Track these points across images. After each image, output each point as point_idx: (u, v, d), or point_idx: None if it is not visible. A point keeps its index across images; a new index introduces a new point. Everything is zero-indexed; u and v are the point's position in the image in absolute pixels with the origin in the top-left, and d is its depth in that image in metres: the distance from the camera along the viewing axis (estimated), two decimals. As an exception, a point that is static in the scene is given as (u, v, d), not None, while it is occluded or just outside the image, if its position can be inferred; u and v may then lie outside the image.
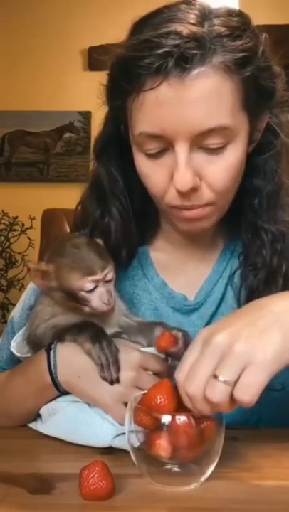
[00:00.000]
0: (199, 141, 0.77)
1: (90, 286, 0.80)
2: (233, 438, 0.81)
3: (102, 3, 3.56)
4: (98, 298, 0.81)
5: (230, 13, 0.79)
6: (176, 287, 0.95)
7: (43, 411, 0.85)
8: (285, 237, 0.88)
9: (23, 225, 3.58)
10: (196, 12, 0.76)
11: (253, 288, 0.89)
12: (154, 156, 0.81)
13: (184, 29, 0.73)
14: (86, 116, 3.69)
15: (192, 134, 0.76)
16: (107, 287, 0.82)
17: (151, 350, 0.84)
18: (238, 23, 0.77)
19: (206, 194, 0.81)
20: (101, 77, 0.88)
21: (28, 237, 3.50)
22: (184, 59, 0.72)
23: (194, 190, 0.80)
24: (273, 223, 0.87)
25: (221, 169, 0.80)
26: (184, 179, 0.78)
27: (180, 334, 0.81)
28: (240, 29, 0.77)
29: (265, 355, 0.59)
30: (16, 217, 3.61)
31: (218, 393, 0.59)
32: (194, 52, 0.73)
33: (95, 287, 0.80)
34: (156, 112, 0.76)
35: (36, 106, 3.74)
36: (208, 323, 0.93)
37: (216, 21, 0.76)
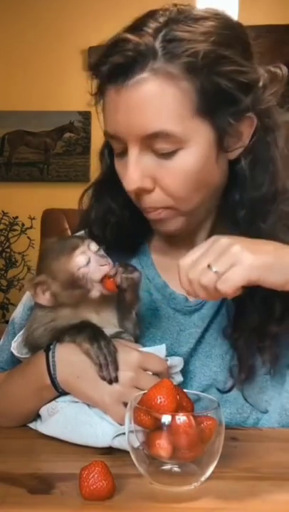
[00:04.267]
0: (148, 145, 0.79)
1: (82, 259, 0.81)
2: (233, 438, 0.82)
3: (102, 3, 3.56)
4: (95, 266, 0.82)
5: (207, 17, 0.79)
6: (177, 288, 0.95)
7: (42, 411, 0.85)
8: None
9: (23, 225, 3.58)
10: (162, 19, 0.77)
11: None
12: (119, 156, 0.85)
13: (130, 37, 0.76)
14: (86, 116, 3.69)
15: (138, 137, 0.79)
16: (99, 254, 0.83)
17: (151, 350, 0.84)
18: (209, 28, 0.77)
19: (161, 198, 0.82)
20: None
21: (28, 237, 3.50)
22: (125, 67, 0.76)
23: (146, 191, 0.82)
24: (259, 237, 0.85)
25: (173, 174, 0.80)
26: (129, 179, 0.81)
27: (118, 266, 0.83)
28: (205, 34, 0.76)
29: (252, 263, 0.70)
30: (16, 217, 3.62)
31: (208, 279, 0.71)
32: (134, 59, 0.76)
33: (88, 261, 0.81)
34: (110, 115, 0.81)
35: (36, 106, 3.74)
36: (209, 323, 0.93)
37: (177, 27, 0.76)
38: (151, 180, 0.82)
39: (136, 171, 0.81)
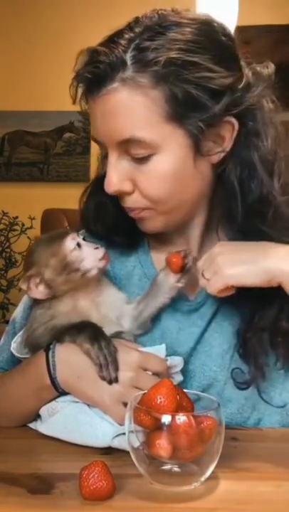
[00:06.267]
0: (125, 150, 0.83)
1: (73, 243, 0.85)
2: (233, 438, 0.82)
3: (103, 3, 3.57)
4: (88, 250, 0.85)
5: (182, 23, 0.80)
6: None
7: (42, 411, 0.85)
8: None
9: (23, 225, 3.58)
10: (138, 29, 0.80)
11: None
12: (105, 159, 0.88)
13: (100, 50, 0.80)
14: (86, 116, 3.67)
15: (113, 142, 0.83)
16: (89, 241, 0.88)
17: (151, 350, 0.84)
18: (179, 35, 0.78)
19: (140, 199, 0.86)
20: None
21: (28, 237, 3.49)
22: (96, 79, 0.80)
23: (126, 194, 0.86)
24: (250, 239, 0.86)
25: (149, 178, 0.83)
26: (108, 182, 0.85)
27: (186, 251, 0.88)
28: (174, 41, 0.78)
29: (228, 271, 0.80)
30: (16, 217, 3.62)
31: (202, 284, 0.83)
32: (105, 71, 0.79)
33: (79, 245, 0.85)
34: (92, 121, 0.86)
35: (36, 106, 3.74)
36: (208, 322, 0.93)
37: (149, 36, 0.78)
38: (130, 183, 0.85)
39: (114, 174, 0.84)
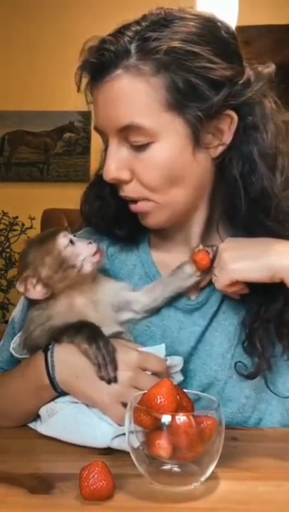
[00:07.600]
0: (124, 137, 0.84)
1: (65, 239, 0.86)
2: (233, 438, 0.82)
3: (104, 4, 3.56)
4: (82, 245, 0.86)
5: (186, 17, 0.82)
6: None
7: (42, 411, 0.85)
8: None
9: (23, 225, 3.58)
10: (144, 23, 0.82)
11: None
12: (106, 149, 0.89)
13: (107, 39, 0.82)
14: (86, 116, 3.69)
15: (114, 130, 0.84)
16: (81, 237, 0.90)
17: (150, 350, 0.84)
18: (183, 27, 0.81)
19: (138, 188, 0.87)
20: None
21: (28, 237, 3.48)
22: (102, 66, 0.82)
23: (123, 182, 0.87)
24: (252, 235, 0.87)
25: (147, 166, 0.84)
26: (106, 169, 0.86)
27: (214, 249, 0.88)
28: (177, 32, 0.80)
29: (232, 266, 0.82)
30: (16, 217, 3.61)
31: (213, 280, 0.86)
32: (110, 58, 0.81)
33: (72, 242, 0.86)
34: (94, 110, 0.88)
35: (36, 106, 3.74)
36: (210, 322, 0.93)
37: (154, 28, 0.81)
38: (128, 171, 0.85)
39: (112, 162, 0.85)
